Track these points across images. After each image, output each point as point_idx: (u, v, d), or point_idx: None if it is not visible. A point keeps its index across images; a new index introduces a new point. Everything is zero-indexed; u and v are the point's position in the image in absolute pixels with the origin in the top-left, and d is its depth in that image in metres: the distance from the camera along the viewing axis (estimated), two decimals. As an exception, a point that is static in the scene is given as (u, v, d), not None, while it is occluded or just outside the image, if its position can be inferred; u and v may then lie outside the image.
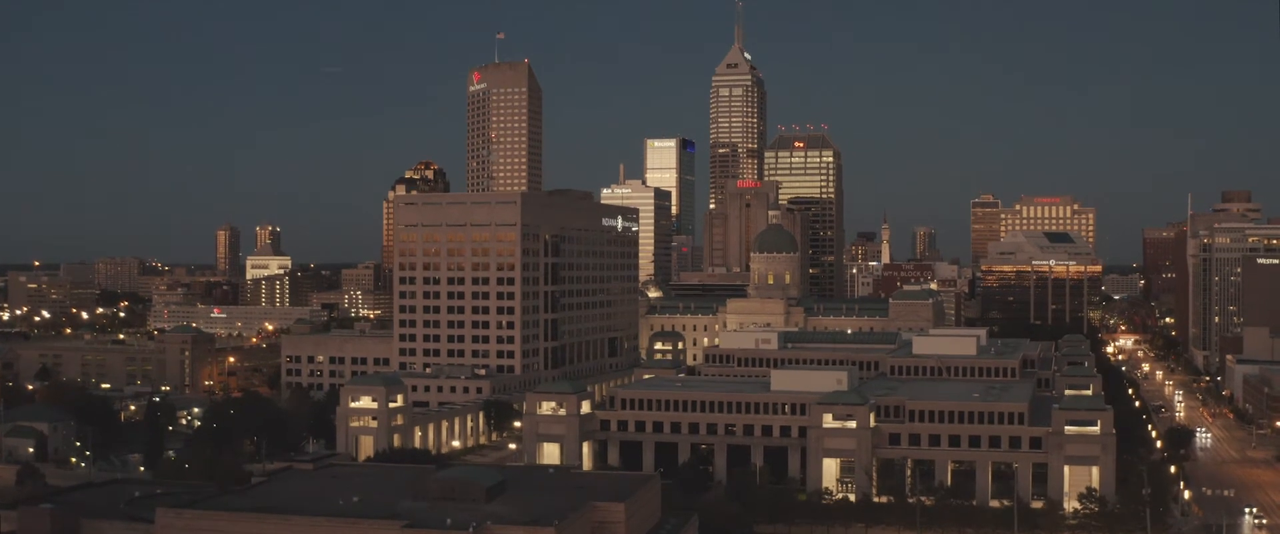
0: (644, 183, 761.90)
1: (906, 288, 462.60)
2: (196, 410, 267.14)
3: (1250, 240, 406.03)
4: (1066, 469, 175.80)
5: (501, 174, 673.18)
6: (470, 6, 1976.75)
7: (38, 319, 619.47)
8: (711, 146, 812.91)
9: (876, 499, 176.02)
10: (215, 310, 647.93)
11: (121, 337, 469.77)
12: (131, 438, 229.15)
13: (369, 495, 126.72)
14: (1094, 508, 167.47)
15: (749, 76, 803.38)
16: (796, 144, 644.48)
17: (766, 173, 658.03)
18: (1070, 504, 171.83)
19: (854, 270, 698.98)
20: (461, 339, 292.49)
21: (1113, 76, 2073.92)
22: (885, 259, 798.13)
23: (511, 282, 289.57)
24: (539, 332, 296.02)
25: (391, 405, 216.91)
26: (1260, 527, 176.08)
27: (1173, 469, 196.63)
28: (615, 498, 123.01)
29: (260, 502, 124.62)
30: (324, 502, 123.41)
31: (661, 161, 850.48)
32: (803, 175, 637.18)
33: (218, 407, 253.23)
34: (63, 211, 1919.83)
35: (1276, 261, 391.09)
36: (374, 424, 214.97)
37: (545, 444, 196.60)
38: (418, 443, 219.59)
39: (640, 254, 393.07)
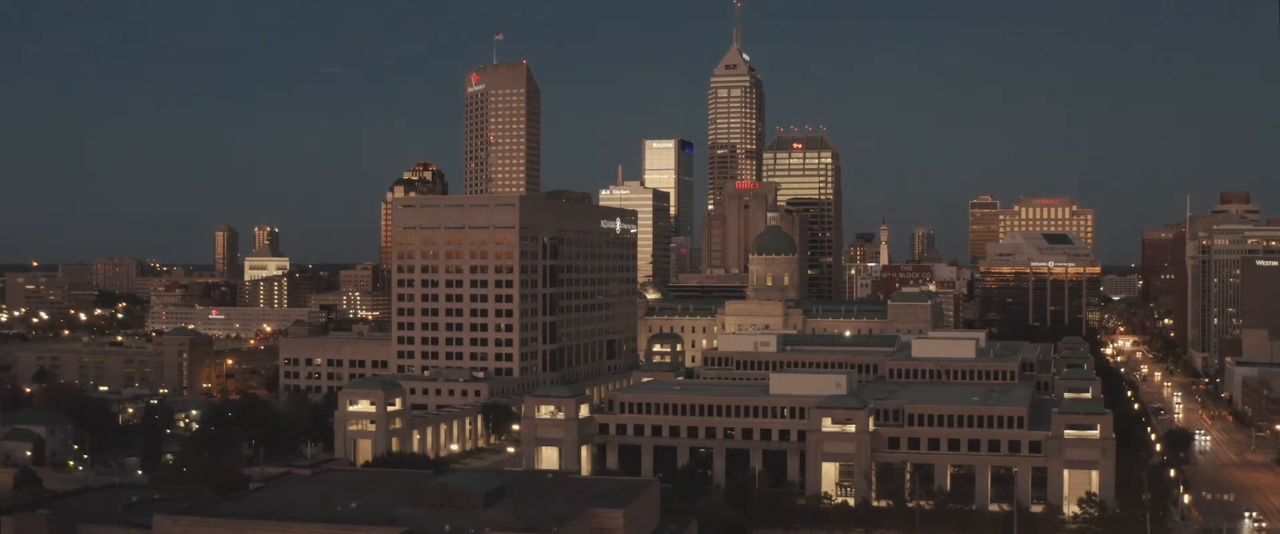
0: (642, 184, 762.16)
1: (905, 290, 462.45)
2: (194, 413, 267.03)
3: (1249, 242, 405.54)
4: (1066, 473, 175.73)
5: (500, 175, 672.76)
6: (469, 8, 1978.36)
7: (36, 320, 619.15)
8: (710, 148, 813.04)
9: (876, 503, 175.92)
10: (213, 312, 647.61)
11: (119, 338, 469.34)
12: (129, 441, 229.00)
13: (367, 502, 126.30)
14: (1094, 512, 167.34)
15: (747, 77, 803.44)
16: (795, 145, 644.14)
17: (765, 174, 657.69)
18: (1070, 508, 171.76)
19: (852, 271, 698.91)
20: (460, 342, 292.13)
21: (1111, 77, 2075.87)
22: (884, 260, 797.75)
23: (510, 284, 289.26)
24: (537, 334, 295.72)
25: (390, 409, 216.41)
26: (1260, 531, 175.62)
27: (1172, 473, 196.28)
28: (614, 504, 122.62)
29: (258, 508, 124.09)
30: (322, 508, 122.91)
31: (660, 163, 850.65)
32: (801, 176, 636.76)
33: (216, 410, 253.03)
34: (61, 212, 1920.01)
35: (1275, 263, 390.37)
36: (372, 428, 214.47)
37: (544, 448, 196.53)
38: (416, 446, 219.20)
39: (639, 255, 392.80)
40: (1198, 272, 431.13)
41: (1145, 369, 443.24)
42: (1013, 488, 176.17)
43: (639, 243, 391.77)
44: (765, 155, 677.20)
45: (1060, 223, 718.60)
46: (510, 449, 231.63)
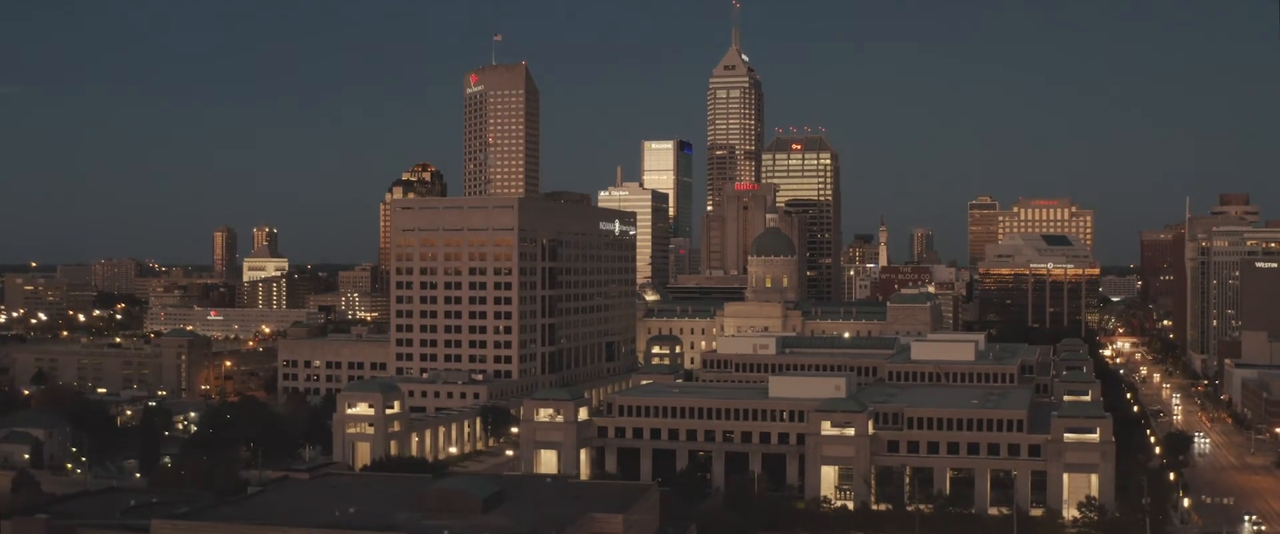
0: (641, 185, 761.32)
1: (904, 291, 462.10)
2: (193, 415, 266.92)
3: (1248, 243, 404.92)
4: (1065, 477, 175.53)
5: (499, 176, 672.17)
6: (468, 8, 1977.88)
7: (34, 321, 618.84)
8: (709, 148, 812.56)
9: (875, 507, 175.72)
10: (212, 313, 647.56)
11: (118, 340, 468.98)
12: (127, 443, 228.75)
13: (365, 506, 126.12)
14: (1093, 516, 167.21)
15: (746, 78, 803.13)
16: (794, 146, 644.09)
17: (764, 175, 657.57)
18: (1069, 512, 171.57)
19: (852, 273, 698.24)
20: (459, 344, 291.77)
21: (1111, 78, 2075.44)
22: (883, 261, 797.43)
23: (509, 286, 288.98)
24: (536, 336, 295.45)
25: (388, 412, 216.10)
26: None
27: (1172, 476, 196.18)
28: (614, 509, 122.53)
29: (256, 513, 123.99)
30: (320, 513, 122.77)
31: (659, 163, 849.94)
32: (800, 177, 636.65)
33: (214, 412, 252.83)
34: (60, 213, 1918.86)
35: (1275, 265, 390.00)
36: (371, 431, 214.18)
37: (543, 451, 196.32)
38: (414, 449, 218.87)
39: (637, 257, 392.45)
40: (1197, 273, 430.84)
41: (1144, 371, 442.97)
42: (1012, 491, 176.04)
43: (638, 244, 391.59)
44: (764, 156, 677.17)
45: (1059, 224, 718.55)
46: (509, 452, 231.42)
